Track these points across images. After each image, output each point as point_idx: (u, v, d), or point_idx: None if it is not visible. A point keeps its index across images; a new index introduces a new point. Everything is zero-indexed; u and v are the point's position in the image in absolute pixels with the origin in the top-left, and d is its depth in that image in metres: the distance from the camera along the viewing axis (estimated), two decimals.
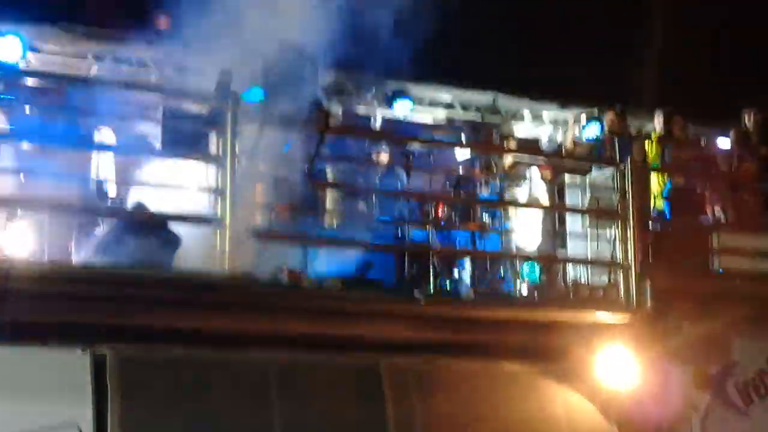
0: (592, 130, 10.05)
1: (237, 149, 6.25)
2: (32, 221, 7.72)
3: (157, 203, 6.97)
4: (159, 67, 10.89)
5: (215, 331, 5.75)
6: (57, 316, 5.40)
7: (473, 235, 8.75)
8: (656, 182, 8.97)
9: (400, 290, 6.98)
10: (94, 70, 10.76)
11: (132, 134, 8.27)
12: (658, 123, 9.52)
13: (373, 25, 7.85)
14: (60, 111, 7.55)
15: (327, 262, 6.91)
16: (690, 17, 15.37)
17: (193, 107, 7.17)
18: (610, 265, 8.11)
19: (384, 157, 8.97)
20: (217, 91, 6.42)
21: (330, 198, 8.36)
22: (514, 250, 9.05)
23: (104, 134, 8.40)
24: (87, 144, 7.97)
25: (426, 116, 11.23)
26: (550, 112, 11.73)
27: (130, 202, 7.31)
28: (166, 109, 6.40)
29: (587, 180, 9.68)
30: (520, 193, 9.66)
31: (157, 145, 7.92)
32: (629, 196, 7.42)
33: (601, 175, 9.24)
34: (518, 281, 8.69)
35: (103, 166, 8.57)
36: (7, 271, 5.35)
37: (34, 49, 9.59)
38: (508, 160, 9.79)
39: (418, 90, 10.95)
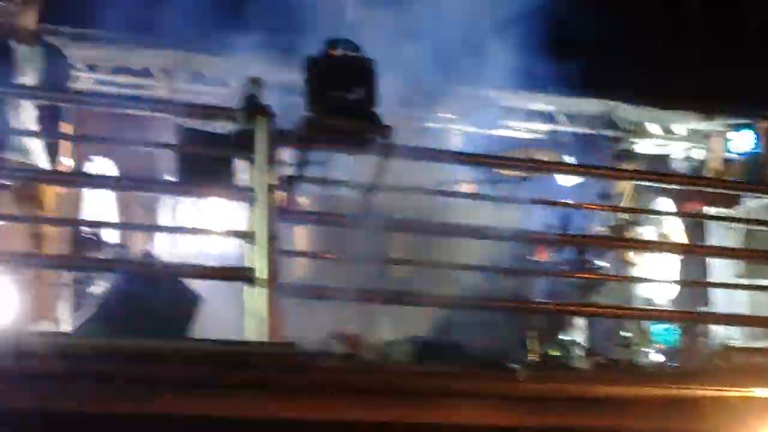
0: (744, 143, 9.94)
1: (273, 180, 6.27)
2: (8, 279, 7.85)
3: (170, 252, 7.06)
4: (169, 76, 11.12)
5: (250, 420, 5.74)
6: (44, 401, 5.43)
7: (586, 288, 8.69)
8: None
9: (492, 360, 6.92)
10: (86, 82, 11.00)
11: (137, 164, 8.40)
12: None
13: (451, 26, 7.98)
14: (41, 135, 7.65)
15: (394, 325, 6.90)
16: None
17: (215, 127, 7.21)
18: None
19: (468, 188, 8.96)
20: (244, 106, 6.45)
21: (397, 242, 8.35)
22: (642, 304, 8.98)
23: (99, 165, 8.52)
24: (77, 177, 8.08)
25: (520, 132, 11.25)
26: (683, 124, 11.68)
27: (136, 252, 7.41)
28: (181, 131, 6.44)
29: (739, 210, 9.58)
30: (647, 229, 9.60)
31: (170, 176, 8.00)
32: None
33: (757, 204, 9.15)
34: (648, 346, 8.61)
35: (98, 206, 8.70)
36: None
37: None
38: (628, 186, 9.74)
39: (509, 99, 10.99)
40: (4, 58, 7.48)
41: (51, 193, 7.54)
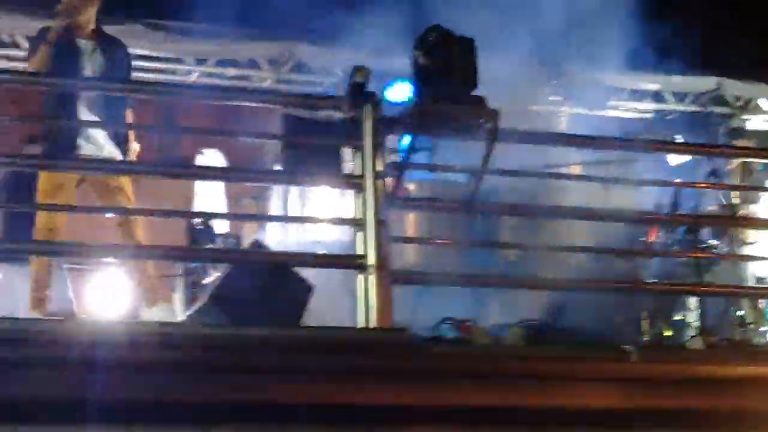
0: None
1: (380, 167, 6.28)
2: (121, 271, 7.99)
3: (280, 241, 7.11)
4: (275, 67, 11.19)
5: (364, 406, 5.76)
6: (160, 391, 5.50)
7: (698, 267, 8.58)
8: None
9: (605, 342, 6.86)
10: (194, 75, 11.13)
11: (246, 155, 8.48)
12: None
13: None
14: (152, 129, 7.76)
15: (505, 309, 6.88)
16: None
17: (321, 116, 7.25)
18: None
19: (576, 169, 8.90)
20: (351, 94, 6.46)
21: (505, 226, 8.32)
22: (756, 283, 8.84)
23: (209, 157, 8.62)
24: (188, 169, 8.17)
25: (628, 112, 11.14)
26: None
27: (247, 242, 7.46)
28: (288, 121, 6.48)
29: None
30: (761, 207, 9.45)
31: (277, 166, 8.07)
32: None
33: None
34: (764, 325, 8.48)
35: (208, 197, 8.80)
36: (93, 336, 5.50)
37: None
38: (740, 164, 9.59)
39: (616, 80, 10.88)
40: (72, 53, 7.58)
41: (129, 182, 7.64)
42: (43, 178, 7.42)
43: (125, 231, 7.51)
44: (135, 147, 7.75)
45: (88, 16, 7.74)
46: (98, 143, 7.54)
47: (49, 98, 7.49)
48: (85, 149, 7.51)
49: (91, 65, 7.64)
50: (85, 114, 7.53)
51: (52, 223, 7.34)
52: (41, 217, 7.37)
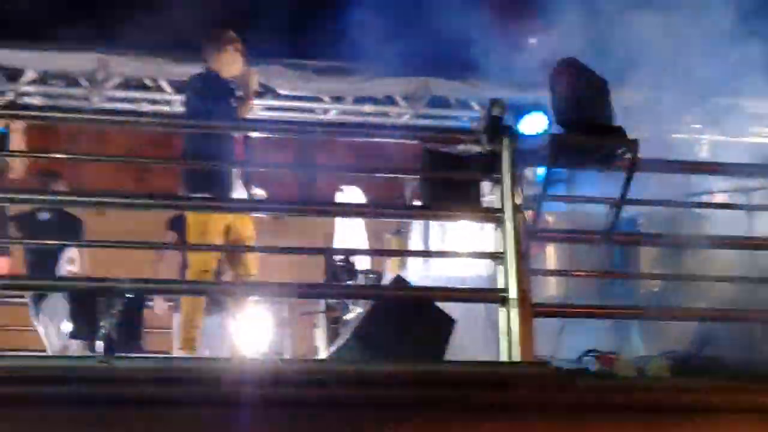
0: None
1: (519, 200, 6.27)
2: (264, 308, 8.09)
3: (422, 276, 7.10)
4: (412, 102, 11.26)
5: None
6: (302, 428, 5.56)
7: None
8: None
9: (753, 373, 6.72)
10: (332, 113, 11.26)
11: (384, 191, 8.52)
12: None
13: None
14: (295, 168, 7.87)
15: (648, 341, 6.79)
16: None
17: (459, 150, 7.26)
18: None
19: (719, 197, 8.76)
20: (488, 127, 6.46)
21: (646, 256, 8.23)
22: None
23: (349, 194, 8.69)
24: (329, 207, 8.24)
25: None
26: None
27: (388, 278, 7.49)
28: (426, 156, 6.50)
29: None
30: None
31: (417, 201, 8.09)
32: None
33: None
34: None
35: (349, 234, 8.87)
36: (241, 374, 5.59)
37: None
38: None
39: (756, 105, 10.71)
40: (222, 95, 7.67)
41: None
42: (192, 222, 7.55)
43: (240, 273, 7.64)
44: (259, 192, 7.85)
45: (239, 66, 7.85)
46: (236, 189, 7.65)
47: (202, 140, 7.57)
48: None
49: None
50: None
51: (206, 264, 7.49)
52: (195, 259, 7.53)
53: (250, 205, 7.59)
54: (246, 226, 7.70)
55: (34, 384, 5.35)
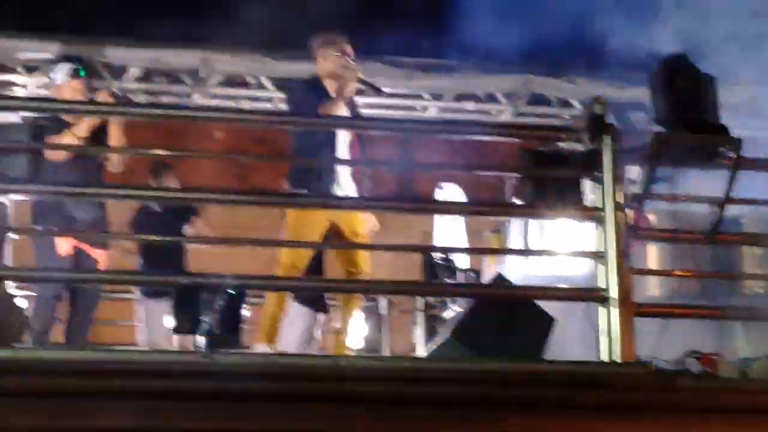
0: None
1: (621, 199, 6.23)
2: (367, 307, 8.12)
3: (520, 275, 7.09)
4: (513, 100, 11.24)
5: None
6: (406, 426, 5.58)
7: None
8: None
9: None
10: (432, 111, 11.28)
11: (484, 188, 8.52)
12: None
13: None
14: (394, 166, 7.90)
15: (751, 342, 6.72)
16: None
17: (560, 148, 7.25)
18: None
19: None
20: (590, 125, 6.43)
21: (749, 256, 8.15)
22: None
23: (448, 191, 8.70)
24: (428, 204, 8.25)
25: None
26: None
27: (488, 275, 7.49)
28: (527, 154, 6.48)
29: None
30: None
31: (516, 199, 8.08)
32: None
33: None
34: None
35: (449, 232, 8.87)
36: (336, 371, 5.63)
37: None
38: None
39: None
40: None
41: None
42: (292, 218, 7.58)
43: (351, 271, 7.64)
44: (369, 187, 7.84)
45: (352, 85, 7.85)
46: (341, 186, 7.65)
47: (304, 140, 7.61)
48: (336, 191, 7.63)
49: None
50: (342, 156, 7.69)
51: (297, 261, 7.51)
52: (287, 255, 7.54)
53: (351, 203, 7.58)
54: (354, 223, 7.66)
55: (139, 378, 5.45)
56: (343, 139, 7.59)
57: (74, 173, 7.42)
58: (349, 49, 7.77)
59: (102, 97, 7.73)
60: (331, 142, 7.53)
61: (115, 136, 7.67)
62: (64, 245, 7.55)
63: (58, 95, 7.84)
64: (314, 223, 7.50)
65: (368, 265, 7.61)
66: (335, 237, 7.65)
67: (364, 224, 7.68)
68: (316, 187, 7.41)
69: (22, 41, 10.39)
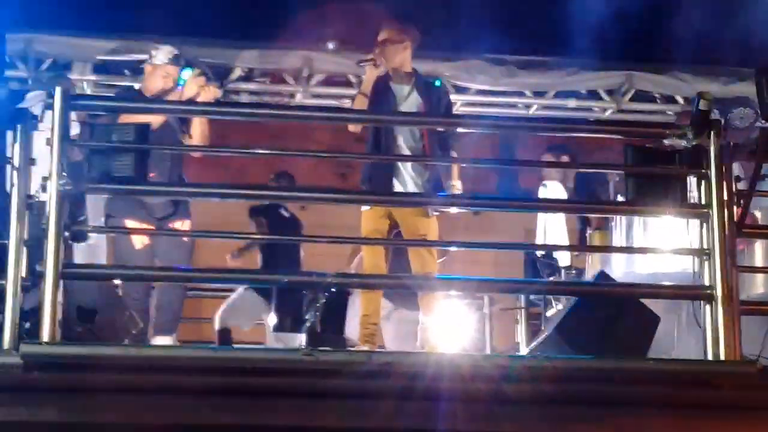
0: None
1: (726, 196, 6.17)
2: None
3: (623, 272, 7.04)
4: (616, 97, 11.16)
5: None
6: (499, 423, 5.59)
7: None
8: None
9: None
10: (533, 108, 11.24)
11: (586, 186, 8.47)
12: None
13: None
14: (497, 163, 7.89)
15: None
16: None
17: (665, 145, 7.19)
18: None
19: None
20: (695, 121, 6.37)
21: None
22: None
23: (551, 189, 8.68)
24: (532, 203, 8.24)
25: None
26: None
27: (591, 273, 7.45)
28: (631, 151, 6.43)
29: None
30: None
31: (620, 197, 8.04)
32: None
33: None
34: None
35: (551, 230, 8.84)
36: (434, 368, 5.65)
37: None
38: None
39: None
40: (388, 99, 7.68)
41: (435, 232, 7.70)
42: (364, 222, 7.60)
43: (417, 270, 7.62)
44: (458, 185, 7.81)
45: (401, 61, 7.86)
46: (405, 184, 7.63)
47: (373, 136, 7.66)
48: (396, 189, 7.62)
49: (407, 109, 7.72)
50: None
51: (378, 261, 7.54)
52: (369, 256, 7.58)
53: (446, 201, 7.52)
54: (418, 222, 7.63)
55: (241, 375, 5.52)
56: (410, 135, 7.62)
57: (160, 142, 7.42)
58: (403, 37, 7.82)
59: (211, 90, 7.80)
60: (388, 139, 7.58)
61: (198, 127, 7.75)
62: (138, 240, 7.57)
63: (151, 73, 7.94)
64: (377, 221, 7.53)
65: (436, 267, 7.61)
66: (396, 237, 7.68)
67: (427, 224, 7.67)
68: (375, 184, 7.47)
69: (133, 42, 10.51)
